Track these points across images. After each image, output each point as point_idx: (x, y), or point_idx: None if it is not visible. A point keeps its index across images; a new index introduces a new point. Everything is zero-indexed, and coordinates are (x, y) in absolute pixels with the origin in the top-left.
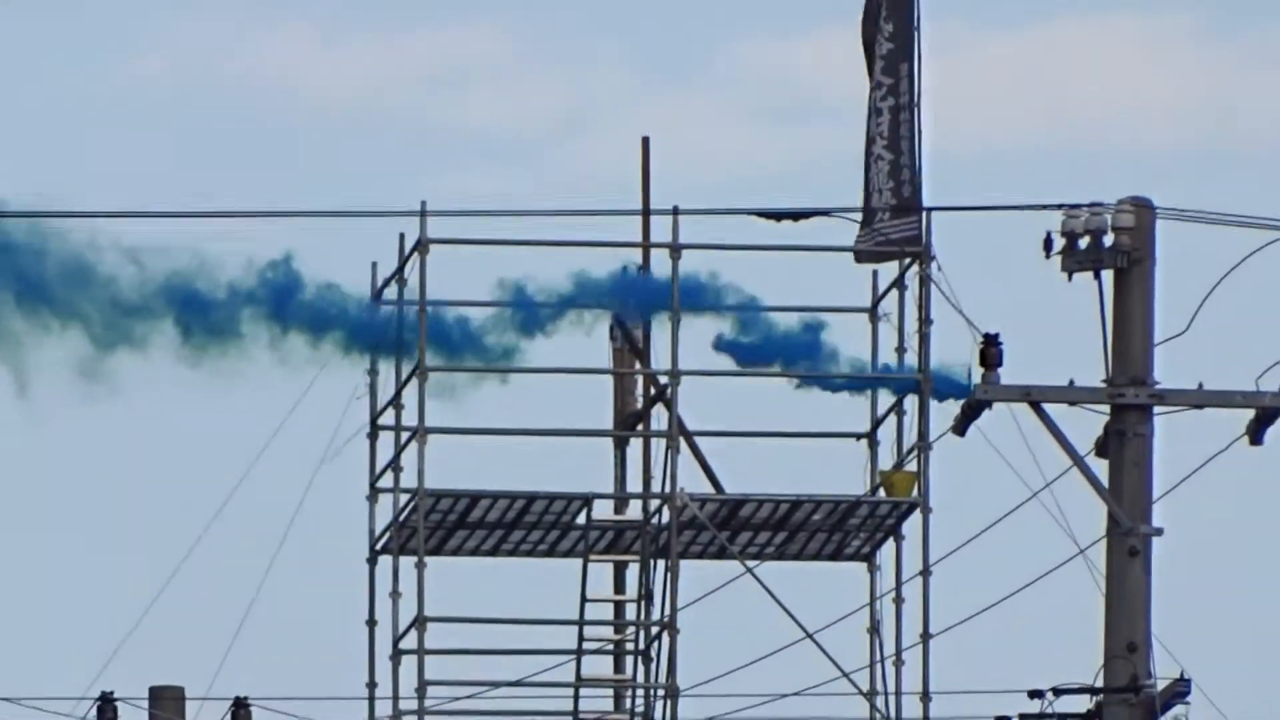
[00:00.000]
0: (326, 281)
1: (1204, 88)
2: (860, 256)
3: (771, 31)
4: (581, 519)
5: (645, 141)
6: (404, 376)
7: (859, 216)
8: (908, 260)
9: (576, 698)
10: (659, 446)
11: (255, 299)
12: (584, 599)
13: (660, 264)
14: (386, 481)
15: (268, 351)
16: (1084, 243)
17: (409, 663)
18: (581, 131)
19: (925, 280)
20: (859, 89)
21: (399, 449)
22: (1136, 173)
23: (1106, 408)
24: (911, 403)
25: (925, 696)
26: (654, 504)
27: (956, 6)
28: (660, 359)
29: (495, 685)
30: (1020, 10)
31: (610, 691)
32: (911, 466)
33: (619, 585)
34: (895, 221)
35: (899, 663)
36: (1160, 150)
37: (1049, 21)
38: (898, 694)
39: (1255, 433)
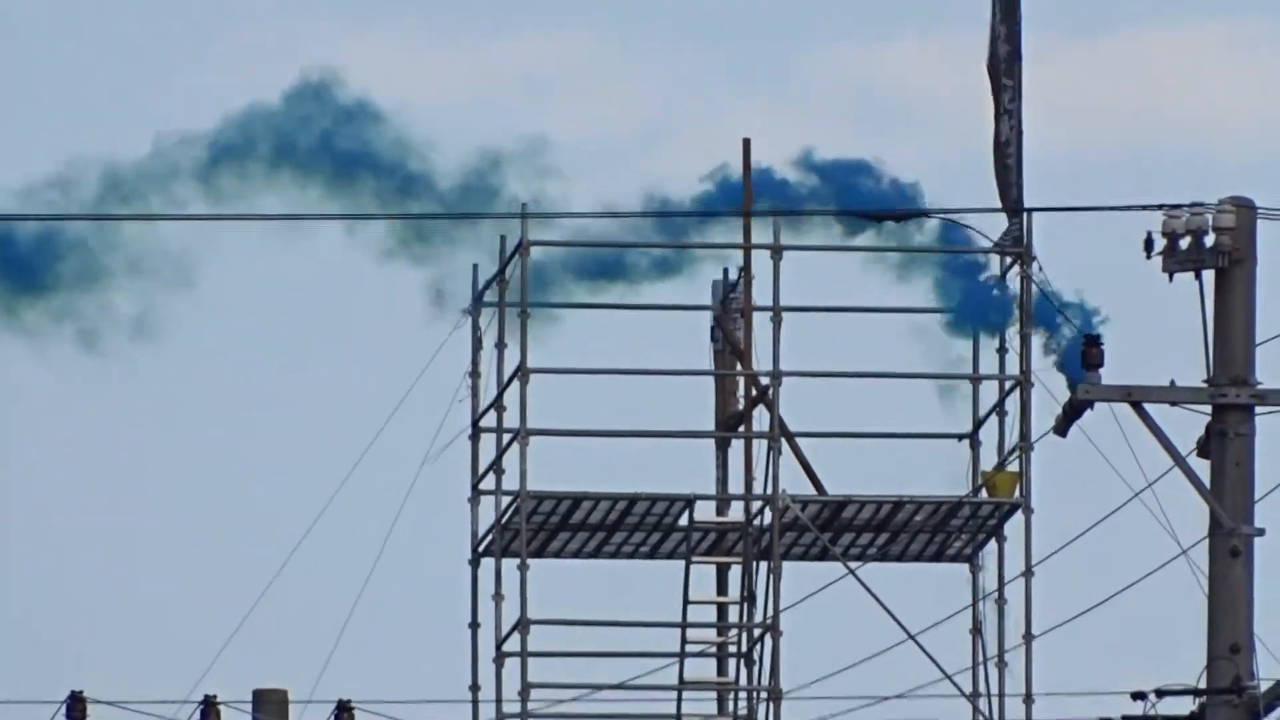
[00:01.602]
0: None
1: None
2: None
3: (852, 37)
4: (684, 521)
5: (746, 144)
6: (505, 378)
7: (964, 219)
8: (1009, 260)
9: (679, 700)
10: (760, 447)
11: None
12: (686, 601)
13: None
14: (488, 483)
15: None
16: (1185, 243)
17: (512, 665)
18: (669, 138)
19: (1027, 281)
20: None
21: (501, 451)
22: (1234, 175)
23: (1208, 408)
24: (1013, 403)
25: (1028, 698)
26: (756, 505)
27: (1050, 15)
28: (761, 360)
29: (598, 688)
30: (1114, 16)
31: (713, 694)
32: (1013, 467)
33: (721, 587)
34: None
35: (1002, 664)
36: (1259, 152)
37: (1141, 26)
38: (1000, 695)
39: None
